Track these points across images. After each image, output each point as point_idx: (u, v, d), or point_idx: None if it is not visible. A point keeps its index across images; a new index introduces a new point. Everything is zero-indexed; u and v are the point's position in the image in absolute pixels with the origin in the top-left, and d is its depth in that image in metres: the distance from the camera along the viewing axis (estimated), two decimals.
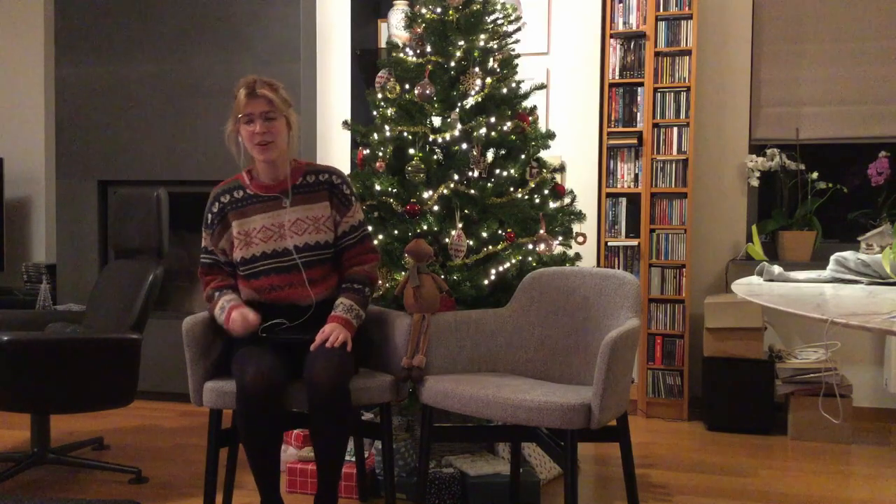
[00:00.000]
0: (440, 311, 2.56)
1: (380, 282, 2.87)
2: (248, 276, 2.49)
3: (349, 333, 2.39)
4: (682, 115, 4.02)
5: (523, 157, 3.10)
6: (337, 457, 2.31)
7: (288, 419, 2.54)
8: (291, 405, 2.34)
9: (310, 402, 2.26)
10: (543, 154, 3.22)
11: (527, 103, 3.22)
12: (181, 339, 2.44)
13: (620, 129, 4.09)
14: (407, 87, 3.08)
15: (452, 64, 3.06)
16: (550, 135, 3.22)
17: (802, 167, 4.10)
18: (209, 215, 2.53)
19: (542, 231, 3.05)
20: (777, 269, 2.51)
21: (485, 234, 2.96)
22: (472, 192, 2.98)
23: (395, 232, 2.97)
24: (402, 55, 3.13)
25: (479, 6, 3.09)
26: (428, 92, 2.96)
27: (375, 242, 2.77)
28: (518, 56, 3.27)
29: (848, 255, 2.46)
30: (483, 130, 2.98)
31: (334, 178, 2.53)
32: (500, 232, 3.00)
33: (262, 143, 2.40)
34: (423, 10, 3.12)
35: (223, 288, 2.51)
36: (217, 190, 2.54)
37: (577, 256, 3.26)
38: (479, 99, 3.04)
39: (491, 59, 3.13)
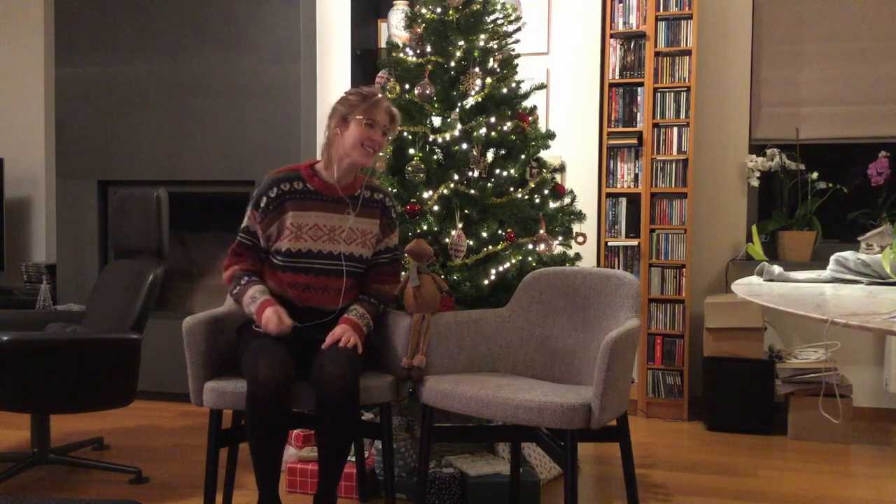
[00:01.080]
0: (440, 311, 2.56)
1: None
2: (284, 268, 2.48)
3: (360, 337, 2.40)
4: (682, 115, 4.02)
5: (523, 157, 3.10)
6: (341, 456, 2.31)
7: (291, 418, 2.54)
8: (294, 405, 2.34)
9: (319, 400, 2.26)
10: (543, 154, 3.22)
11: (527, 103, 3.22)
12: (181, 339, 2.43)
13: (620, 129, 4.09)
14: (407, 87, 3.08)
15: (452, 64, 3.06)
16: (550, 135, 3.22)
17: (802, 167, 4.10)
18: (264, 198, 2.50)
19: (542, 231, 3.05)
20: (777, 269, 2.51)
21: (485, 234, 2.96)
22: (472, 192, 2.98)
23: None
24: (402, 55, 3.13)
25: (479, 6, 3.09)
26: (428, 92, 2.96)
27: None
28: (518, 56, 3.27)
29: (848, 255, 2.46)
30: (483, 130, 2.98)
31: (387, 201, 2.60)
32: (500, 232, 3.00)
33: (371, 150, 2.47)
34: (423, 10, 3.12)
35: (251, 273, 2.50)
36: (276, 175, 2.53)
37: (577, 256, 3.26)
38: (479, 99, 3.04)
39: (491, 59, 3.13)
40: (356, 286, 2.55)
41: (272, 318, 2.36)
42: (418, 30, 3.12)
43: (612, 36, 4.08)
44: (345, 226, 2.50)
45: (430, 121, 3.09)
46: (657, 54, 4.03)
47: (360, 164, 2.51)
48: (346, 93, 2.56)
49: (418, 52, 3.10)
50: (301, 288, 2.47)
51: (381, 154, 2.61)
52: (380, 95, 2.53)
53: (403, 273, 2.67)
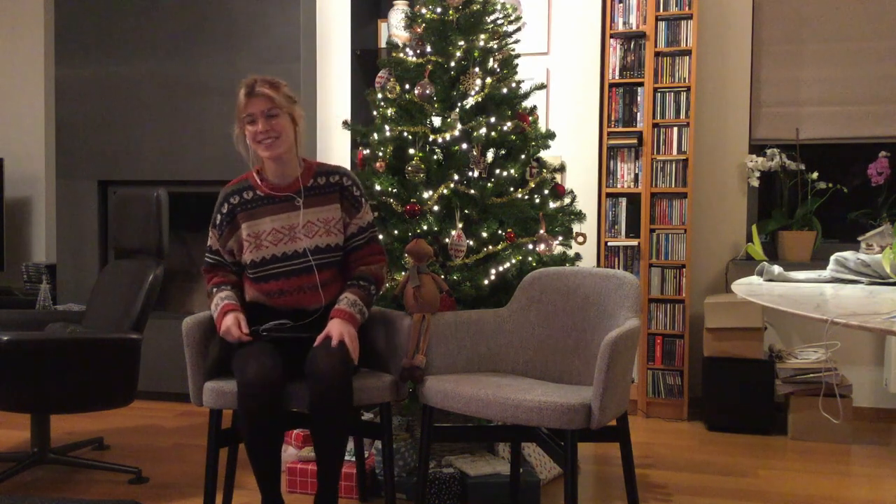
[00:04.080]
0: (440, 311, 2.56)
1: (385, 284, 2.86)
2: (256, 279, 2.48)
3: (353, 327, 2.38)
4: (682, 115, 4.02)
5: (523, 157, 3.10)
6: (337, 453, 2.30)
7: (288, 419, 2.54)
8: (291, 405, 2.34)
9: (311, 395, 2.26)
10: (543, 154, 3.22)
11: (527, 103, 3.22)
12: (181, 339, 2.43)
13: (620, 129, 4.09)
14: (407, 87, 3.08)
15: (452, 64, 3.06)
16: (550, 135, 3.22)
17: (802, 167, 4.10)
18: (218, 216, 2.51)
19: (542, 231, 3.05)
20: (777, 269, 2.51)
21: (485, 234, 2.96)
22: (472, 192, 2.98)
23: (395, 232, 2.97)
24: (402, 55, 3.13)
25: (479, 6, 3.09)
26: (428, 92, 2.96)
27: None
28: (518, 56, 3.27)
29: (848, 255, 2.46)
30: (483, 130, 2.98)
31: (344, 180, 2.52)
32: (500, 232, 3.00)
33: (266, 140, 2.39)
34: (423, 10, 3.12)
35: (222, 284, 2.51)
36: (227, 190, 2.52)
37: (577, 256, 3.26)
38: (479, 99, 3.04)
39: (491, 59, 3.13)
40: (337, 278, 2.52)
41: (229, 326, 2.36)
42: (418, 30, 3.12)
43: (612, 36, 4.08)
44: (301, 221, 2.46)
45: (430, 121, 3.09)
46: (657, 54, 4.03)
47: (272, 157, 2.42)
48: None
49: (418, 52, 3.10)
50: (276, 294, 2.46)
51: (287, 136, 2.40)
52: (242, 90, 2.39)
53: (403, 273, 2.66)
